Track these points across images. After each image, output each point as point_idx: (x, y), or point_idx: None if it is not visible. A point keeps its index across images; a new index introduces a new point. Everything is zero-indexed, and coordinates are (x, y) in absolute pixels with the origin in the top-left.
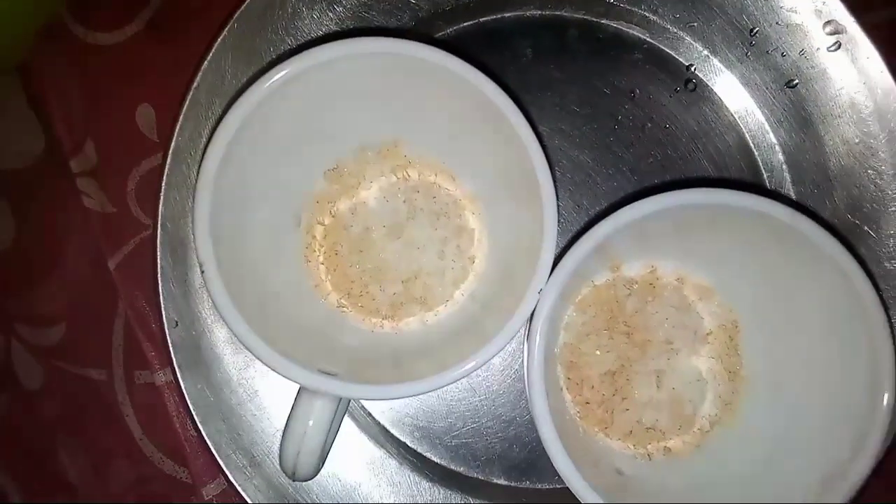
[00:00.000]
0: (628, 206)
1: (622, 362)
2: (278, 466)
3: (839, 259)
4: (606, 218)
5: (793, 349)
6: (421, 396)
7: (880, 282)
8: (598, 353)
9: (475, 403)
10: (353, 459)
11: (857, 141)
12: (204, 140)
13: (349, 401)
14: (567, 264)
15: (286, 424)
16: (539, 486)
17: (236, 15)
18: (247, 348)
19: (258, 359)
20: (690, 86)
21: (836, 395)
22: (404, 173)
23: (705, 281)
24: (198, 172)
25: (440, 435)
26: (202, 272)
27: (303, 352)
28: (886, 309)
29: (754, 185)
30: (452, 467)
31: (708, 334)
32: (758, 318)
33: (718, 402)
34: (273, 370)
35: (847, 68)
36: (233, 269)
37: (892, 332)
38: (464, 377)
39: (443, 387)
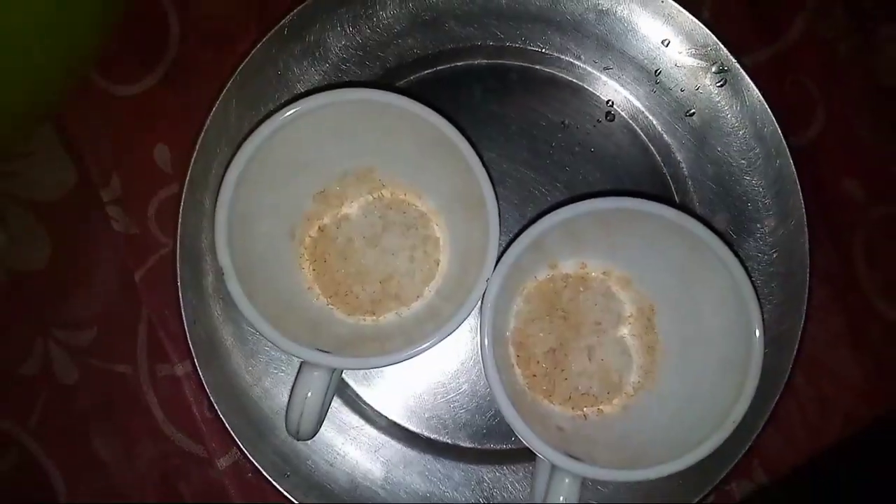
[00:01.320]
0: (555, 211)
1: (561, 341)
2: (281, 437)
3: (718, 250)
4: (538, 220)
5: (694, 325)
6: (399, 379)
7: (763, 268)
8: (541, 334)
9: (444, 382)
10: (341, 430)
11: (742, 159)
12: (214, 172)
13: (341, 373)
14: (508, 258)
15: (291, 392)
16: (499, 446)
17: (239, 69)
18: (259, 333)
19: (269, 340)
20: (609, 117)
21: (726, 358)
22: (379, 193)
23: (626, 273)
24: (217, 195)
25: (415, 408)
26: (222, 274)
27: (302, 336)
28: (755, 289)
29: (661, 197)
30: (426, 434)
31: (629, 316)
32: (668, 301)
33: (640, 371)
34: (280, 349)
35: (732, 99)
36: (244, 272)
37: (760, 304)
38: (429, 349)
39: (412, 356)
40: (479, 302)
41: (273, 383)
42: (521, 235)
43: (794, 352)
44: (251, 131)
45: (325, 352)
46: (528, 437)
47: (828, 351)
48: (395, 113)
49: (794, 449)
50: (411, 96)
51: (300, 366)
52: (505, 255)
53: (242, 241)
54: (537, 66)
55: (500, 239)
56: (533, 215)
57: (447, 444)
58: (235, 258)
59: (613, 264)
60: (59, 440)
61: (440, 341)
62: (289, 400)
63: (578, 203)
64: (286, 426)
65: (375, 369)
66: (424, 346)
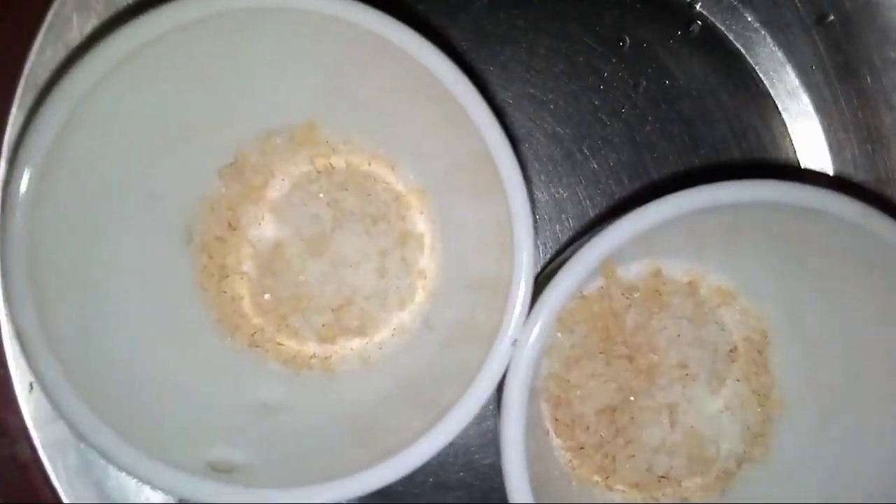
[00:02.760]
0: (638, 211)
1: (624, 394)
2: None
3: (884, 238)
4: (608, 230)
5: (840, 367)
6: None
7: None
8: (592, 383)
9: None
10: None
11: None
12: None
13: None
14: (567, 277)
15: None
16: None
17: None
18: (84, 441)
19: (105, 458)
20: (695, 28)
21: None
22: (327, 164)
23: (725, 282)
24: (2, 192)
25: (399, 493)
26: (19, 342)
27: (188, 434)
28: None
29: (783, 163)
30: None
31: (731, 351)
32: (793, 326)
33: (747, 434)
34: (130, 475)
35: None
36: (76, 325)
37: None
38: (427, 458)
39: (400, 475)
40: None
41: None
42: (577, 256)
43: None
44: (80, 52)
45: (227, 466)
46: None
47: None
48: (350, 33)
49: None
50: (378, 5)
51: None
52: (563, 272)
53: (74, 265)
54: None
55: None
56: (576, 195)
57: None
58: (56, 300)
59: (704, 268)
60: None
61: (447, 443)
62: None
63: (674, 197)
64: None
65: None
66: (418, 456)
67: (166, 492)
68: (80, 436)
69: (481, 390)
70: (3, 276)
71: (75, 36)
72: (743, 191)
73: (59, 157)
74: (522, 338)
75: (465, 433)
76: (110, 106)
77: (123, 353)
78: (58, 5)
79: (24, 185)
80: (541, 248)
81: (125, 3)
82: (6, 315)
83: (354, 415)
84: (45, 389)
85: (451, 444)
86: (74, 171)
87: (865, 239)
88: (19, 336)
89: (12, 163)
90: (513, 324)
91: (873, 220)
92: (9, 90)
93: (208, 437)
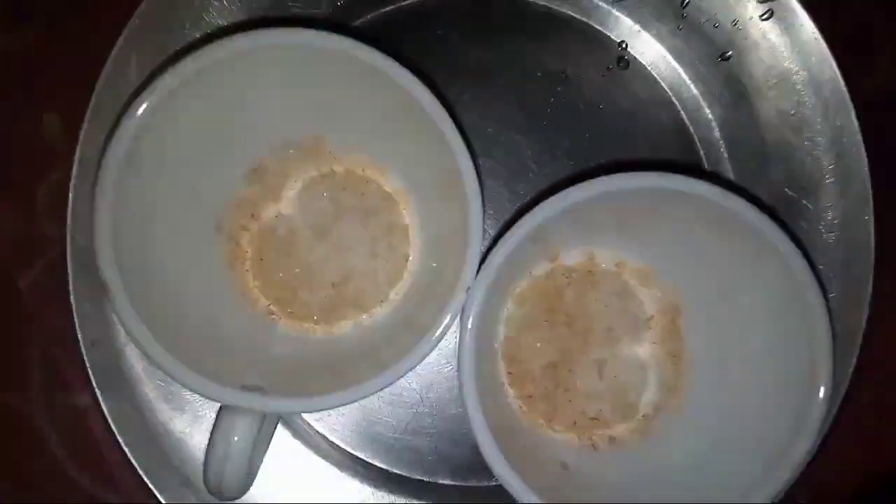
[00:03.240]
0: (561, 193)
1: (564, 353)
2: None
3: (775, 239)
4: (538, 206)
5: (734, 331)
6: (361, 402)
7: (819, 256)
8: (539, 345)
9: (418, 404)
10: (290, 470)
11: (792, 112)
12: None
13: (278, 416)
14: (498, 254)
15: (208, 445)
16: (486, 483)
17: (139, 9)
18: (157, 367)
19: (171, 378)
20: (623, 63)
21: (777, 375)
22: (330, 170)
23: (646, 265)
24: (95, 179)
25: (381, 439)
26: (108, 291)
27: (226, 367)
28: (824, 289)
29: (690, 165)
30: (396, 471)
31: (649, 319)
32: (699, 300)
33: (662, 387)
34: (190, 389)
35: (780, 37)
36: (143, 284)
37: (829, 311)
38: (398, 378)
39: (376, 390)
40: (461, 308)
41: (195, 419)
42: (517, 225)
43: (856, 355)
44: (145, 85)
45: (257, 387)
46: (511, 480)
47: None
48: (347, 64)
49: (848, 470)
50: (369, 42)
51: (220, 410)
52: (495, 251)
53: (142, 240)
54: (529, 0)
55: (486, 225)
56: (529, 194)
57: (423, 481)
58: (130, 265)
59: (629, 254)
60: None
61: (416, 364)
62: (206, 453)
63: (591, 182)
64: (205, 483)
65: None
66: (394, 373)
67: (212, 399)
68: (153, 363)
69: (444, 322)
70: (95, 246)
71: (133, 73)
72: (642, 178)
73: (132, 159)
74: (473, 285)
75: (437, 388)
76: (168, 122)
77: (176, 310)
78: (118, 50)
79: (108, 179)
80: (488, 229)
81: (176, 47)
82: (101, 275)
83: (346, 360)
84: (126, 329)
85: (427, 399)
86: (141, 171)
87: (729, 217)
88: (105, 288)
89: (99, 163)
90: (466, 276)
91: (730, 199)
92: (83, 109)
93: (241, 371)
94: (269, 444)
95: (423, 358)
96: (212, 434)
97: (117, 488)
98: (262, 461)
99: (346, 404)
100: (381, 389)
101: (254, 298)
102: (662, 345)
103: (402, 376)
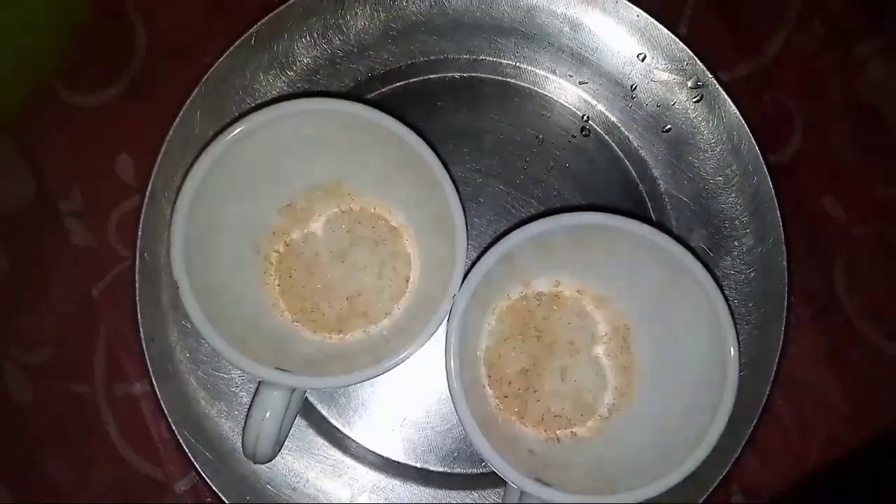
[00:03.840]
0: (527, 225)
1: (534, 361)
2: (242, 461)
3: (695, 271)
4: (507, 235)
5: (669, 345)
6: (366, 400)
7: (741, 288)
8: (514, 354)
9: (413, 403)
10: (304, 452)
11: (718, 176)
12: (176, 183)
13: (303, 394)
14: (476, 273)
15: (248, 413)
16: (469, 471)
17: (204, 79)
18: (215, 349)
19: (225, 357)
20: (585, 132)
21: (701, 379)
22: (348, 207)
23: (602, 292)
24: (173, 207)
25: (382, 431)
26: (177, 288)
27: (263, 354)
28: (731, 308)
29: (637, 214)
30: (393, 458)
31: (604, 336)
32: (645, 321)
33: (615, 392)
34: (237, 367)
35: (709, 115)
36: (203, 287)
37: (735, 324)
38: (395, 367)
39: (376, 375)
40: (446, 318)
41: (233, 404)
42: (490, 250)
43: (773, 373)
44: (213, 138)
45: (286, 371)
46: (495, 461)
47: (808, 372)
48: (364, 125)
49: (774, 473)
50: (382, 109)
51: (258, 385)
52: (473, 270)
53: (202, 255)
54: (511, 80)
55: (470, 255)
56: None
57: (415, 468)
58: (193, 272)
59: (588, 283)
60: (9, 461)
61: (406, 359)
62: (246, 420)
63: (549, 218)
64: (243, 448)
65: (341, 390)
66: (389, 364)
67: (252, 373)
68: (209, 342)
69: (430, 329)
70: (170, 254)
71: (197, 128)
72: (592, 216)
73: (200, 193)
74: (456, 298)
75: (430, 391)
76: (226, 167)
77: (226, 309)
78: (185, 111)
79: (183, 206)
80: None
81: (231, 111)
82: (174, 275)
83: (354, 356)
84: (190, 316)
85: (422, 400)
86: (205, 202)
87: (662, 252)
88: (178, 285)
89: (179, 190)
90: (450, 292)
91: (658, 236)
92: (151, 154)
93: (273, 359)
94: (294, 419)
95: (410, 355)
96: (250, 408)
97: (161, 465)
98: (288, 434)
99: (350, 384)
100: (377, 376)
101: (282, 308)
102: (615, 357)
103: (391, 368)
